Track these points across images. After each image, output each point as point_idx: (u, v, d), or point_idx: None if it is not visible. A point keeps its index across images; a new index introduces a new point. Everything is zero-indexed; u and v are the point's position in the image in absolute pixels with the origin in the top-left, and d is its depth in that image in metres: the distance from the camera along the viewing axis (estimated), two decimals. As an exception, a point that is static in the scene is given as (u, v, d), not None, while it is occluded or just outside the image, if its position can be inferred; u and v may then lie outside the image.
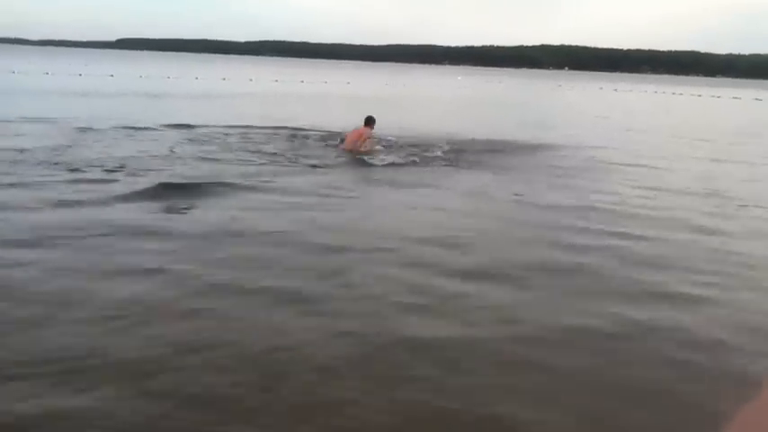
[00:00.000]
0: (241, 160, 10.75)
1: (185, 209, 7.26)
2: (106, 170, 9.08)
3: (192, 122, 15.70)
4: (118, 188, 8.02)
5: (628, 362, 4.02)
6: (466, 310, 4.69)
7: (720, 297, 5.22)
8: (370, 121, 12.34)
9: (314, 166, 10.44)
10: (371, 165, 10.93)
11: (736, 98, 58.29)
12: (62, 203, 7.14)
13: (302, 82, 47.67)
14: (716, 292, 5.32)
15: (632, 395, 3.61)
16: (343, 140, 12.40)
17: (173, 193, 7.88)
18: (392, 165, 10.99)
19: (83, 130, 13.44)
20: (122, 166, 9.35)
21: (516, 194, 9.04)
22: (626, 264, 5.92)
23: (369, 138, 12.03)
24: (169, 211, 7.12)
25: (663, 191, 9.74)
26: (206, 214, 7.10)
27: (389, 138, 13.24)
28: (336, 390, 3.49)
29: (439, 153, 12.39)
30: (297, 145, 12.91)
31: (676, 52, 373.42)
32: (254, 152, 11.67)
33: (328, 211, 7.61)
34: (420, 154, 12.02)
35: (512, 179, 10.45)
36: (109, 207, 7.13)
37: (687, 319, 4.71)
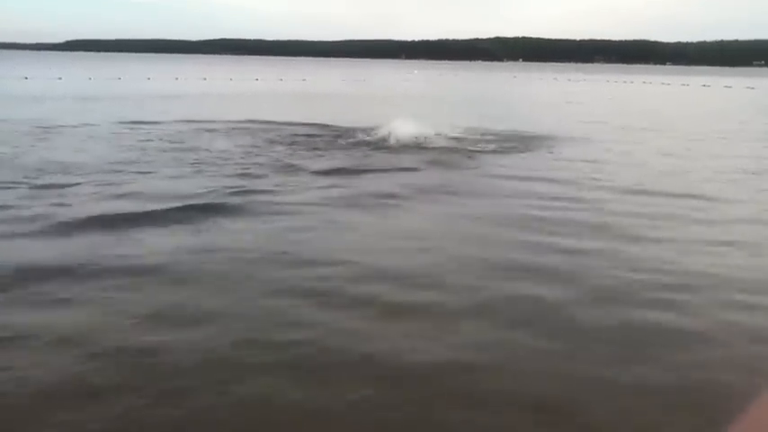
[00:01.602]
0: (199, 163, 10.55)
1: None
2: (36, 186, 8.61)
3: (140, 120, 15.49)
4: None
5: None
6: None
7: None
8: None
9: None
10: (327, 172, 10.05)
11: (684, 85, 59.66)
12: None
13: (257, 80, 47.10)
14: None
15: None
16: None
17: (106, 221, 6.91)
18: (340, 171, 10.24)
19: (28, 134, 13.06)
20: (55, 180, 8.85)
21: (461, 204, 8.84)
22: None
23: None
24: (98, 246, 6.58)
25: (610, 190, 9.48)
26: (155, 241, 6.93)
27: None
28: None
29: (393, 143, 12.55)
30: (246, 143, 12.76)
31: (627, 42, 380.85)
32: (208, 152, 11.48)
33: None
34: (376, 152, 12.04)
35: (461, 182, 10.49)
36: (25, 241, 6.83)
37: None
